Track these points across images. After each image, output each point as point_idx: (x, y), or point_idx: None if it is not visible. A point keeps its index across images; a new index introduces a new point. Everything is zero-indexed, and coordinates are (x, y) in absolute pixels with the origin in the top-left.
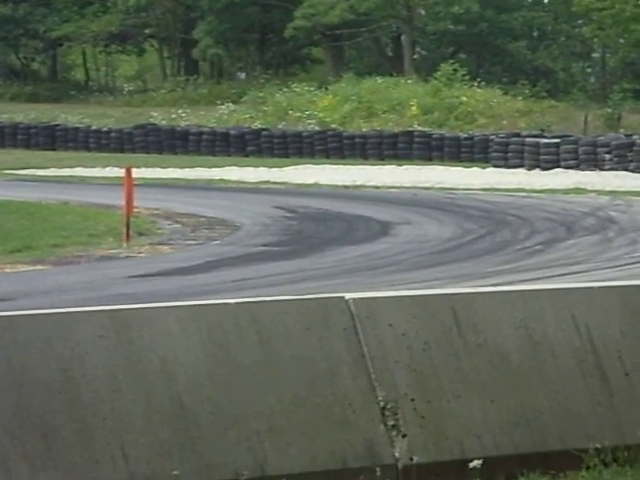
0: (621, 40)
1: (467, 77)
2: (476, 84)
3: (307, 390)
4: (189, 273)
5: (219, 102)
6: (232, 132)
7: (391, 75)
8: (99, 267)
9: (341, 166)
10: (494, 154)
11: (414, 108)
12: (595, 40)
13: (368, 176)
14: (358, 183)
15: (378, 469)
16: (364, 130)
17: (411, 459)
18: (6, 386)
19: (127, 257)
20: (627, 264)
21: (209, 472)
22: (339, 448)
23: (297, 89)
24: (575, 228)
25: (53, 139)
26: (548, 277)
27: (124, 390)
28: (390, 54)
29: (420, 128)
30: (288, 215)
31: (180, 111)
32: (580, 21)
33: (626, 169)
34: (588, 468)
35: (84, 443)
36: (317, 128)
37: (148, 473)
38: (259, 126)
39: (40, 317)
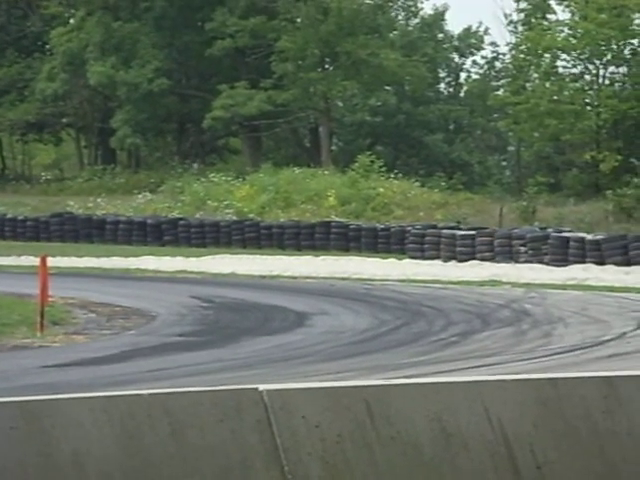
0: (536, 134)
1: (384, 169)
2: (393, 176)
3: None
4: (104, 363)
5: (136, 191)
6: (149, 221)
7: (309, 166)
8: (12, 357)
9: (258, 256)
10: (410, 245)
11: (331, 199)
12: (510, 134)
13: (285, 266)
14: (275, 273)
15: None
16: (282, 220)
17: None
18: None
19: (41, 347)
20: (541, 356)
21: None
22: None
23: (215, 179)
24: (490, 320)
25: None
26: (463, 369)
27: None
28: (308, 145)
29: (337, 219)
30: (204, 305)
31: (98, 200)
32: (496, 115)
33: (541, 262)
34: None
35: None
36: (235, 218)
37: None
38: (177, 215)
39: None
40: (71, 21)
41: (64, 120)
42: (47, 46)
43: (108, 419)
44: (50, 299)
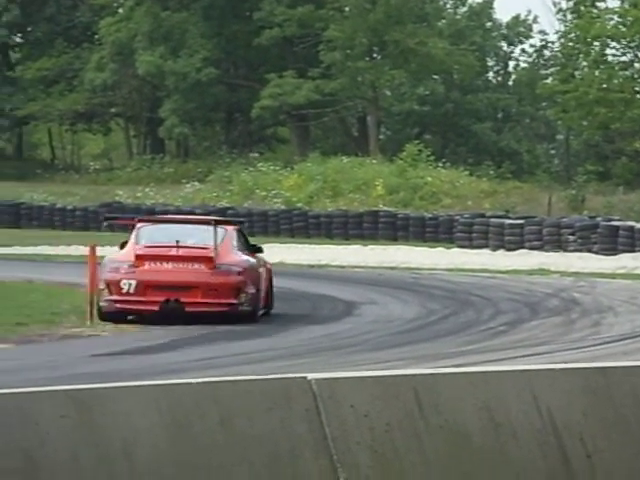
0: (585, 122)
1: (432, 158)
2: (441, 165)
3: (268, 471)
4: (153, 352)
5: (185, 181)
6: (197, 211)
7: (356, 155)
8: (62, 346)
9: (306, 245)
10: (459, 234)
11: (379, 188)
12: (559, 122)
13: (333, 255)
14: (323, 262)
15: None
16: (330, 210)
17: None
18: None
19: (90, 336)
20: (590, 346)
21: None
22: None
23: (263, 168)
24: (539, 309)
25: (18, 217)
26: (511, 358)
27: (85, 471)
28: (356, 134)
29: (385, 208)
30: None
31: (146, 189)
32: (544, 103)
33: (590, 250)
34: None
35: None
36: (283, 207)
37: None
38: (225, 205)
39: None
40: (120, 11)
41: (113, 110)
42: (96, 36)
43: (157, 408)
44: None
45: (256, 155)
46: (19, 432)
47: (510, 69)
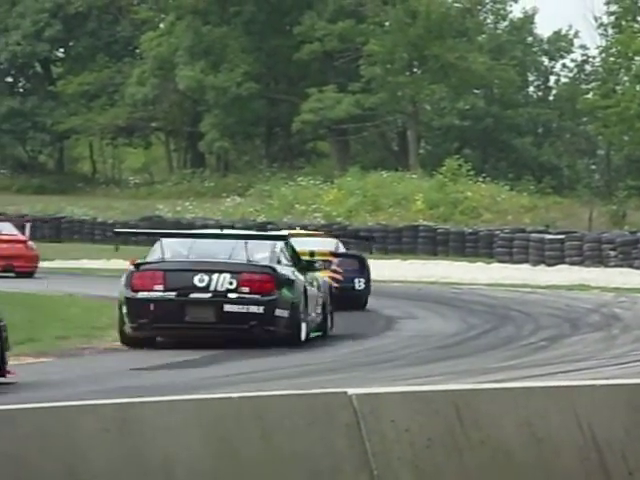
0: (626, 137)
1: (472, 172)
2: (481, 179)
3: None
4: (193, 366)
5: (225, 195)
6: (237, 225)
7: (396, 169)
8: (103, 359)
9: None
10: (499, 249)
11: (419, 202)
12: (600, 137)
13: (373, 270)
14: None
15: None
16: (369, 224)
17: None
18: None
19: (131, 350)
20: (632, 362)
21: None
22: None
23: (303, 182)
24: (579, 324)
25: (59, 231)
26: (552, 373)
27: None
28: (396, 148)
29: (425, 223)
30: None
31: (186, 203)
32: (585, 119)
33: (631, 266)
34: None
35: None
36: (323, 222)
37: None
38: (265, 219)
39: (41, 411)
40: (161, 26)
41: (153, 124)
42: (137, 50)
43: (198, 422)
44: None
45: (290, 170)
46: (61, 445)
47: (551, 84)
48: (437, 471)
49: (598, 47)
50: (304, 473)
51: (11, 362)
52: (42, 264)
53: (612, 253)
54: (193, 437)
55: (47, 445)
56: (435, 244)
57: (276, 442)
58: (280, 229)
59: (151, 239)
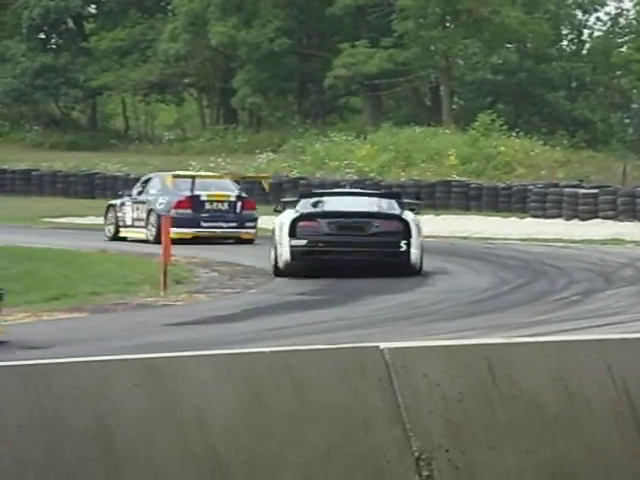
0: None
1: (505, 127)
2: (514, 134)
3: (341, 440)
4: (226, 321)
5: (258, 151)
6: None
7: (429, 125)
8: (136, 315)
9: None
10: (532, 204)
11: (452, 158)
12: (634, 91)
13: None
14: None
15: None
16: (402, 179)
17: None
18: (40, 435)
19: (164, 305)
20: None
21: None
22: None
23: (335, 138)
24: (613, 279)
25: (92, 187)
26: (585, 328)
27: (158, 439)
28: (428, 104)
29: (458, 178)
30: None
31: (219, 159)
32: (619, 72)
33: None
34: None
35: None
36: (355, 177)
37: None
38: (297, 175)
39: (74, 365)
40: None
41: (186, 80)
42: (169, 7)
43: (230, 376)
44: (173, 258)
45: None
46: (93, 400)
47: (584, 37)
48: (468, 424)
49: (632, 0)
50: (337, 427)
51: (45, 317)
52: (75, 220)
53: None
54: (225, 392)
55: (81, 399)
56: (468, 199)
57: (308, 396)
58: (312, 185)
59: None
